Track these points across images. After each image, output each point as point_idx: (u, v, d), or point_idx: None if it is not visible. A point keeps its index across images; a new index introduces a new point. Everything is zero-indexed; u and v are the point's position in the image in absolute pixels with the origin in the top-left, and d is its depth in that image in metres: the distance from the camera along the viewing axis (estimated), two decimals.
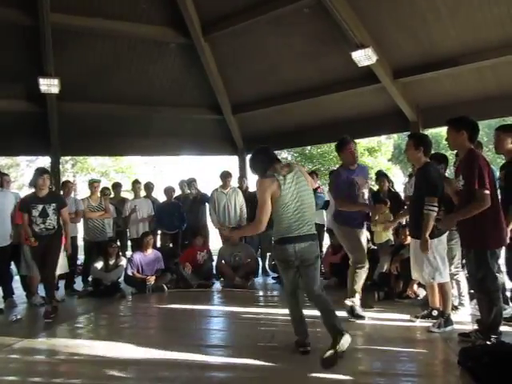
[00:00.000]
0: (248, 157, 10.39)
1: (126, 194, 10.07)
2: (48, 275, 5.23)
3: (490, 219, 3.32)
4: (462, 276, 4.47)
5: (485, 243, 3.38)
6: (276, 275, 7.13)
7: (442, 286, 4.00)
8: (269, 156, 3.63)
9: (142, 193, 7.83)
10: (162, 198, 7.93)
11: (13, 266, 6.24)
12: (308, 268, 3.44)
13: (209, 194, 7.60)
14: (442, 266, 3.95)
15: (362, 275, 4.56)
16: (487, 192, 3.26)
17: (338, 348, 3.13)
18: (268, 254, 7.56)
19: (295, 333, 3.63)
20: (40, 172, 5.27)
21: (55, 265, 5.28)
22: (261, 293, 6.40)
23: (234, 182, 7.58)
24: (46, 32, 7.42)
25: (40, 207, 5.18)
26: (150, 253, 6.64)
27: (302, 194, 3.47)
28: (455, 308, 4.40)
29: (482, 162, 3.36)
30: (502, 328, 3.49)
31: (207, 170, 22.85)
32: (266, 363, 3.40)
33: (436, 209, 3.79)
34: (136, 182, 7.85)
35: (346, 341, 3.17)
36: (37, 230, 5.19)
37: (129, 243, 7.98)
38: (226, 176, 7.34)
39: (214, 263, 7.15)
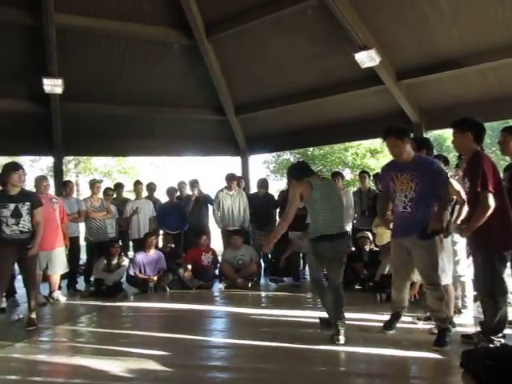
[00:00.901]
0: (251, 158, 10.35)
1: (129, 194, 10.09)
2: (30, 284, 4.74)
3: (498, 221, 3.29)
4: (468, 278, 4.46)
5: (492, 245, 3.34)
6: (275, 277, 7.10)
7: (444, 288, 3.99)
8: (308, 169, 4.21)
9: (144, 193, 7.83)
10: (164, 198, 7.94)
11: (15, 265, 6.25)
12: (337, 261, 4.00)
13: (212, 196, 7.64)
14: (448, 268, 3.96)
15: (393, 292, 4.10)
16: (490, 193, 3.24)
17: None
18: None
19: (330, 316, 3.99)
20: (15, 167, 4.67)
21: (35, 273, 4.88)
22: (263, 294, 6.40)
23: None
24: (50, 32, 7.45)
25: (12, 206, 4.57)
26: (153, 253, 6.64)
27: (335, 200, 4.05)
28: (458, 311, 4.38)
29: (487, 163, 3.33)
30: (506, 331, 3.48)
31: (210, 171, 22.86)
32: (268, 364, 3.40)
33: (449, 207, 3.87)
34: (138, 183, 7.85)
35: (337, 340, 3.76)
36: (8, 232, 4.56)
37: (130, 243, 7.99)
38: (230, 178, 7.36)
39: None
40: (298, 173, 4.17)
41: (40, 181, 5.99)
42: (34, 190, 5.98)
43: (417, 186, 3.70)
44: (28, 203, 4.68)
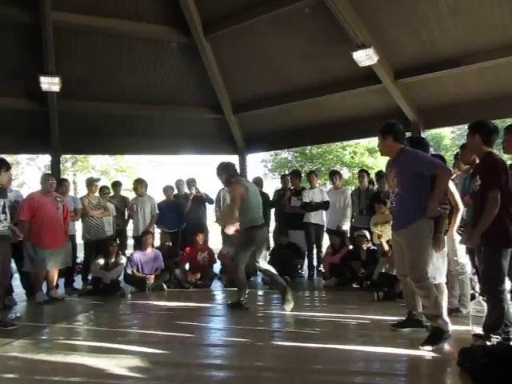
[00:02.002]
0: (248, 156, 10.35)
1: (127, 192, 10.09)
2: (3, 279, 4.67)
3: (505, 218, 3.31)
4: (467, 277, 4.47)
5: (498, 241, 3.34)
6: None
7: (437, 287, 4.00)
8: (235, 170, 5.32)
9: (144, 191, 7.83)
10: (161, 197, 7.97)
11: (13, 264, 6.24)
12: (264, 245, 5.28)
13: (209, 194, 7.68)
14: (442, 266, 3.98)
15: (402, 287, 4.14)
16: (499, 192, 3.27)
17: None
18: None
19: (240, 294, 5.08)
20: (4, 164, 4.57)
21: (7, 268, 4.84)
22: (260, 292, 6.40)
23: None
24: (47, 30, 7.43)
25: (2, 202, 4.45)
26: (150, 252, 6.64)
27: (258, 198, 5.22)
28: (456, 310, 4.40)
29: (500, 164, 3.37)
30: None
31: (208, 170, 22.83)
32: (266, 363, 3.41)
33: (448, 206, 3.92)
34: (137, 182, 7.89)
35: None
36: (1, 227, 4.46)
37: (129, 242, 8.00)
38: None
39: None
40: (232, 171, 5.19)
41: (47, 179, 5.98)
42: (40, 188, 5.99)
43: (399, 182, 3.69)
44: (6, 200, 4.62)
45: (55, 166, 9.23)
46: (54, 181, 6.12)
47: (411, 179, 3.60)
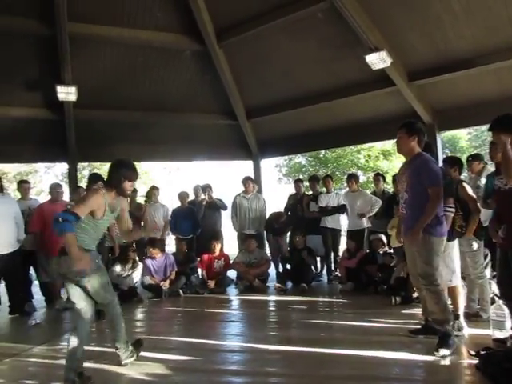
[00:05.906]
0: (262, 161, 10.40)
1: (143, 199, 10.20)
2: None
3: None
4: (486, 281, 4.40)
5: None
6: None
7: (454, 289, 3.96)
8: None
9: (159, 198, 7.92)
10: (175, 203, 8.06)
11: (32, 271, 6.34)
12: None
13: (224, 200, 7.73)
14: (457, 269, 3.94)
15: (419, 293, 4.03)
16: None
17: None
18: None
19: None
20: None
21: None
22: (276, 298, 6.37)
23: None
24: (63, 41, 7.55)
25: None
26: (160, 257, 6.69)
27: None
28: (476, 314, 4.33)
29: None
30: None
31: (223, 176, 22.88)
32: (283, 369, 3.39)
33: (453, 209, 3.84)
34: (153, 188, 8.00)
35: None
36: None
37: None
38: (245, 180, 7.50)
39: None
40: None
41: (54, 188, 6.08)
42: (49, 197, 6.08)
43: (408, 185, 3.61)
44: None
45: (72, 174, 9.35)
46: (62, 189, 6.21)
47: (419, 184, 3.51)
